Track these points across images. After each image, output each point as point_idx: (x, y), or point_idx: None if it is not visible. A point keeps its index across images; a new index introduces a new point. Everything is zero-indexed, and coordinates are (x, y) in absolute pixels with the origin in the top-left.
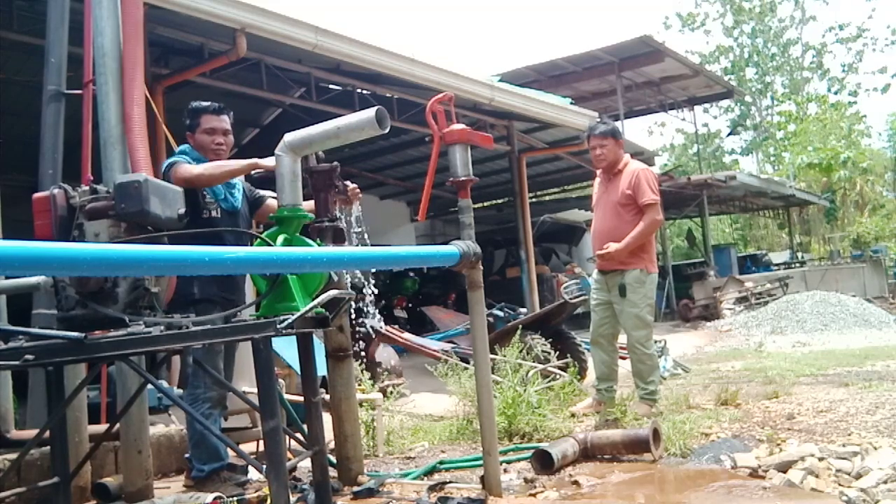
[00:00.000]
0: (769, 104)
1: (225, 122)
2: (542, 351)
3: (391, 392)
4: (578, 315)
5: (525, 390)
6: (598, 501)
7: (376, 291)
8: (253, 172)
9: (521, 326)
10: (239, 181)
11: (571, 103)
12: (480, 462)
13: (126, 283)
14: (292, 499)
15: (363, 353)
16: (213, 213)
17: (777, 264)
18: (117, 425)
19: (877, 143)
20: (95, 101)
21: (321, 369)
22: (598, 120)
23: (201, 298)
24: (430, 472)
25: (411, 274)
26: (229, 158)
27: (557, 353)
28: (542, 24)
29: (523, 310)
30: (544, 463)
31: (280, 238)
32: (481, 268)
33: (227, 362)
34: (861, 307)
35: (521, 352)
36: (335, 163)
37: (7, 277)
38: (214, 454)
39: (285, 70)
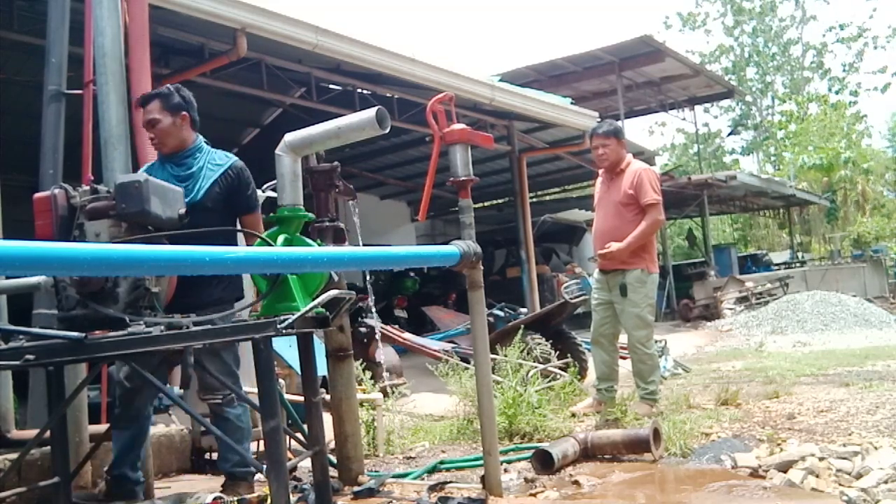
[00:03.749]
0: (770, 104)
1: (148, 112)
2: (543, 351)
3: (392, 392)
4: (579, 315)
5: (525, 390)
6: (599, 501)
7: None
8: None
9: (521, 326)
10: (216, 173)
11: (572, 103)
12: (481, 462)
13: (126, 283)
14: (292, 499)
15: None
16: None
17: (777, 264)
18: None
19: (878, 143)
20: (96, 101)
21: (321, 369)
22: (600, 120)
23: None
24: (430, 472)
25: (412, 274)
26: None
27: (558, 353)
28: (542, 24)
29: (524, 310)
30: (545, 463)
31: (280, 238)
32: (482, 268)
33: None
34: (861, 307)
35: (521, 352)
36: (335, 163)
37: (7, 277)
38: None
39: (286, 70)
